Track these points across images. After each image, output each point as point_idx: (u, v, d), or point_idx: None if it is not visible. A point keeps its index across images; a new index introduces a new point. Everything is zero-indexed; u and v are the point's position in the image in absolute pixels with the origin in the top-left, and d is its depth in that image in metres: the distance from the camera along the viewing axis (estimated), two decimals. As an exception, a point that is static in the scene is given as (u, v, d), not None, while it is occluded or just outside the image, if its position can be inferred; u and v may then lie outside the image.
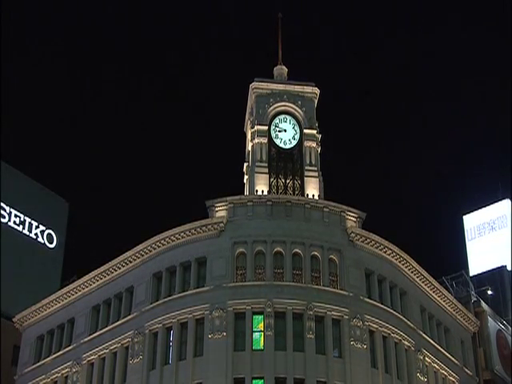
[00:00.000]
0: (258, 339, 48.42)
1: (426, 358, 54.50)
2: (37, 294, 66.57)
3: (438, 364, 56.12)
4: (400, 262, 54.93)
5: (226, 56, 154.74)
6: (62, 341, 58.27)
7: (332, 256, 51.55)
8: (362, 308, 50.47)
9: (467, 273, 73.89)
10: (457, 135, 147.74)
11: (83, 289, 57.68)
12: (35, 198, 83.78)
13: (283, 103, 60.50)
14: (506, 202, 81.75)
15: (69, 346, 56.89)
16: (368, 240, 52.99)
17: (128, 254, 54.75)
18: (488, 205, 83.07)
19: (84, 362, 54.60)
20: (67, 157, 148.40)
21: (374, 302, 51.57)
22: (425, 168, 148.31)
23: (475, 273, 77.31)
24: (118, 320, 54.01)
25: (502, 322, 68.43)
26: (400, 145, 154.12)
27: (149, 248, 53.60)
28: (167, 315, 50.40)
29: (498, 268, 76.62)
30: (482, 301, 66.41)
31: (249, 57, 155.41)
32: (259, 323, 48.77)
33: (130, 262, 54.74)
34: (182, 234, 52.32)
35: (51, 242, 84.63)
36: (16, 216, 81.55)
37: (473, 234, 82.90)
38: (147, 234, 54.34)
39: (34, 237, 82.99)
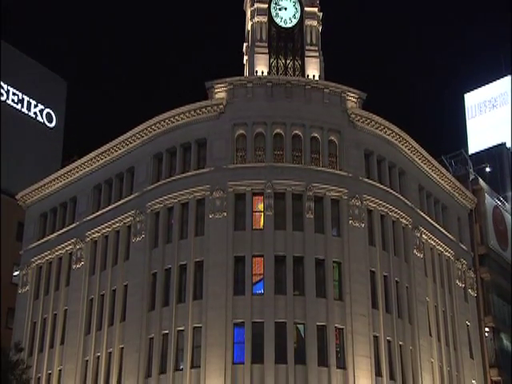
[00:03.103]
0: (258, 219, 49.13)
1: (423, 235, 55.51)
2: (38, 173, 67.04)
3: (434, 240, 57.22)
4: (399, 142, 54.95)
5: None
6: (64, 219, 59.08)
7: (332, 137, 51.52)
8: (360, 188, 50.94)
9: (466, 151, 74.08)
10: (459, 13, 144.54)
11: (84, 168, 57.96)
12: (33, 77, 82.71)
13: (283, -22, 58.84)
14: (508, 78, 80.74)
15: (72, 223, 57.76)
16: (368, 121, 52.80)
17: (127, 134, 54.71)
18: (489, 82, 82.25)
19: (87, 239, 55.57)
20: (65, 35, 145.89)
21: (373, 182, 52.01)
22: (427, 47, 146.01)
23: (475, 151, 77.44)
24: (119, 199, 54.59)
25: (498, 199, 69.21)
26: (402, 25, 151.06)
27: (148, 129, 53.52)
28: (168, 195, 50.93)
29: (498, 145, 76.61)
30: (479, 178, 66.86)
31: None
32: (259, 204, 49.33)
33: (130, 142, 54.75)
34: (182, 115, 52.08)
35: (50, 122, 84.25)
36: (14, 94, 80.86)
37: (473, 113, 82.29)
38: (147, 115, 54.18)
39: (33, 116, 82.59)
